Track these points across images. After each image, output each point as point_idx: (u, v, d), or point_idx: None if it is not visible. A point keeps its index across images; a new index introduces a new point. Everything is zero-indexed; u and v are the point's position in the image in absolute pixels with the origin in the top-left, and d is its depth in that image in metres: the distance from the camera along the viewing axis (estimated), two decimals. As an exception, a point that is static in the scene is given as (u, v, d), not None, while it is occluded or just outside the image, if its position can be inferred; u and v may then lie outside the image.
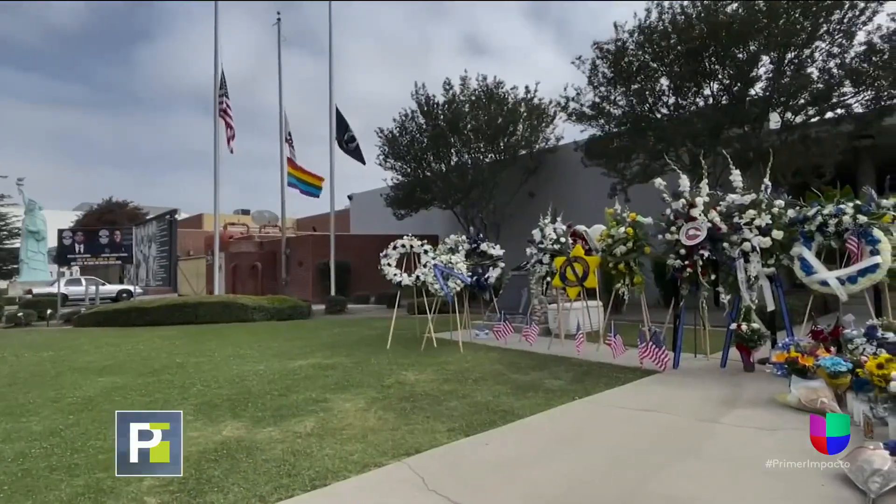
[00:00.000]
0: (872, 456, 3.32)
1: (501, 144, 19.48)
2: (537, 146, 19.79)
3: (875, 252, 5.99)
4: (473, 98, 19.11)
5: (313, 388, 6.36)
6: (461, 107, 19.07)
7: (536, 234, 9.63)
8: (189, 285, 29.50)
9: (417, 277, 9.28)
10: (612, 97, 14.78)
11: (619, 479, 3.56)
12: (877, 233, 6.07)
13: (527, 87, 19.12)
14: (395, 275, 9.41)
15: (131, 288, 24.32)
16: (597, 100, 15.01)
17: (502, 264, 10.42)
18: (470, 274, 9.78)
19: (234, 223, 37.93)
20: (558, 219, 9.76)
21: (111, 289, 25.98)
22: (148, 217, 30.41)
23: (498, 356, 8.28)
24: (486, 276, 10.08)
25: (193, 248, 37.11)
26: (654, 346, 6.62)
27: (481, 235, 10.94)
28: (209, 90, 19.43)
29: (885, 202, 6.42)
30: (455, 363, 7.72)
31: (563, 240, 9.34)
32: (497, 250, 10.46)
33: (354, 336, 11.22)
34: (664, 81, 13.97)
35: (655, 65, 13.69)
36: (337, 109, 20.48)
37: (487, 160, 19.76)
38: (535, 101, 19.26)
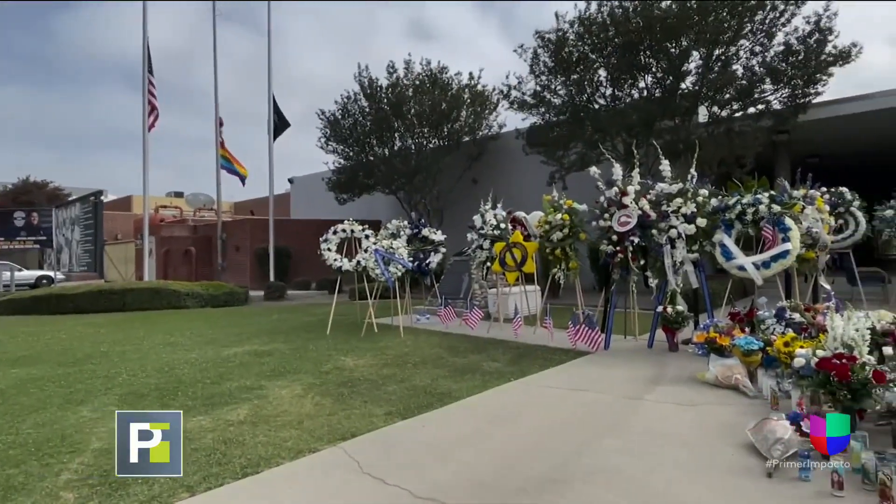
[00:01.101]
0: (776, 426, 3.61)
1: (445, 130, 19.48)
2: (480, 133, 19.92)
3: (786, 239, 6.46)
4: (417, 83, 18.98)
5: (248, 375, 6.21)
6: (405, 91, 18.90)
7: (477, 219, 9.74)
8: (117, 271, 27.95)
9: (358, 263, 9.19)
10: (553, 87, 15.06)
11: (550, 454, 3.70)
12: (788, 221, 6.54)
13: (470, 74, 19.21)
14: (336, 260, 9.28)
15: (52, 274, 22.76)
16: (538, 88, 15.26)
17: (444, 249, 10.49)
18: (411, 259, 9.78)
19: (166, 206, 36.13)
20: (499, 205, 9.91)
21: (29, 275, 24.19)
22: (70, 198, 28.42)
23: (438, 340, 8.37)
24: (427, 261, 10.11)
25: (122, 232, 35.09)
26: (586, 329, 6.88)
27: (423, 221, 10.93)
28: (138, 64, 18.31)
29: (796, 193, 6.93)
30: (395, 348, 7.74)
31: (503, 225, 9.49)
32: (438, 235, 10.50)
33: (293, 322, 11.01)
34: (602, 73, 14.36)
35: (594, 56, 14.04)
36: (272, 94, 19.80)
37: (431, 146, 19.72)
38: (479, 87, 19.37)
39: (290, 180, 31.25)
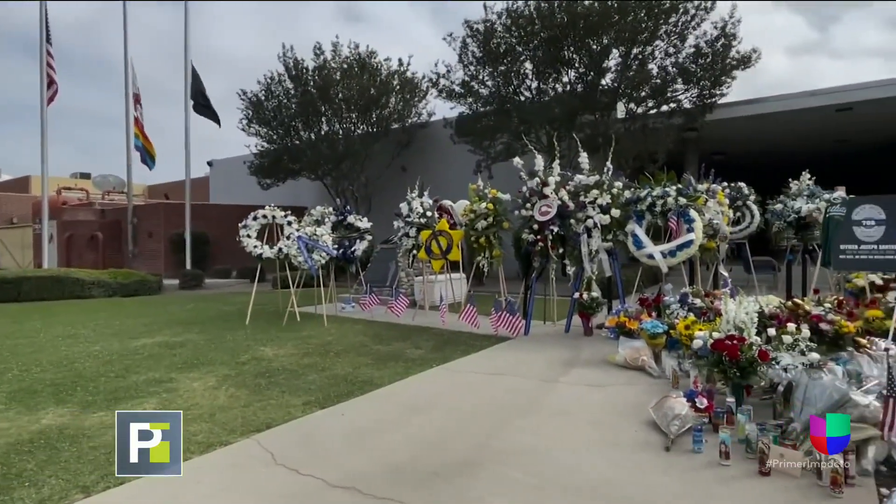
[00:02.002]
0: (674, 403, 3.89)
1: (374, 116, 19.18)
2: (410, 120, 19.78)
3: (691, 230, 6.92)
4: (345, 66, 18.52)
5: (157, 367, 5.88)
6: (332, 74, 18.39)
7: (404, 207, 9.71)
8: (12, 258, 25.48)
9: (280, 250, 8.91)
10: (481, 77, 15.21)
11: (467, 437, 3.78)
12: (693, 213, 7.00)
13: (400, 60, 18.96)
14: (256, 247, 8.94)
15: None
16: (466, 78, 15.36)
17: (370, 237, 10.39)
18: (336, 246, 9.61)
19: (70, 188, 33.23)
20: (425, 193, 9.92)
21: None
22: (-47, 177, 25.51)
23: (363, 328, 8.30)
24: (352, 248, 9.98)
25: (18, 216, 31.93)
26: (507, 315, 7.07)
27: (348, 207, 10.75)
28: (35, 30, 16.61)
29: (700, 187, 7.43)
30: (318, 337, 7.59)
31: (429, 214, 9.52)
32: (364, 223, 10.38)
33: (210, 312, 10.53)
34: (528, 66, 14.66)
35: (521, 49, 14.30)
36: (192, 67, 18.68)
37: (359, 131, 19.37)
38: (409, 74, 19.18)
39: (210, 163, 29.67)
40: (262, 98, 19.34)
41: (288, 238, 8.92)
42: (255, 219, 9.14)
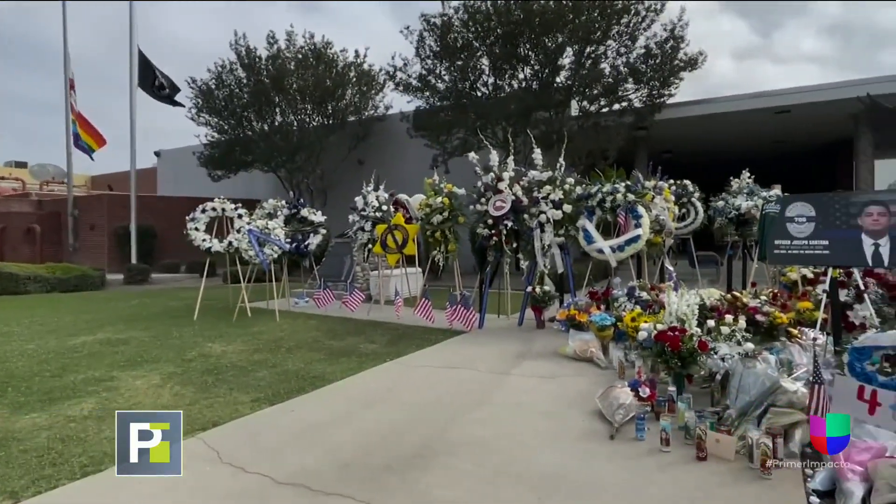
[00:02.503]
0: (619, 393, 4.02)
1: (329, 108, 18.87)
2: (367, 113, 19.56)
3: (638, 225, 7.14)
4: (300, 56, 18.12)
5: (98, 366, 5.62)
6: (286, 64, 17.96)
7: (359, 201, 9.61)
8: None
9: (230, 244, 8.66)
10: (438, 71, 15.18)
11: (419, 430, 3.79)
12: (640, 209, 7.23)
13: (357, 52, 18.70)
14: (204, 240, 8.67)
15: None
16: (423, 72, 15.30)
17: (324, 231, 10.23)
18: (289, 240, 9.42)
19: (3, 177, 31.40)
20: (381, 187, 9.85)
21: None
22: None
23: (316, 324, 8.18)
24: (306, 242, 9.80)
25: (-58, 206, 29.84)
26: (462, 309, 7.12)
27: (301, 200, 10.54)
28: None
29: (648, 184, 7.67)
30: (269, 332, 7.44)
31: (385, 207, 9.46)
32: (318, 216, 10.21)
33: (156, 308, 10.14)
34: (485, 61, 14.73)
35: (477, 44, 14.34)
36: (140, 52, 17.84)
37: (315, 123, 19.02)
38: (365, 66, 18.94)
39: (157, 153, 28.50)
40: (213, 87, 18.71)
41: (238, 231, 8.68)
42: (203, 211, 8.86)
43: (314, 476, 3.09)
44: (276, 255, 8.85)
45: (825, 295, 4.70)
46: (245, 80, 18.38)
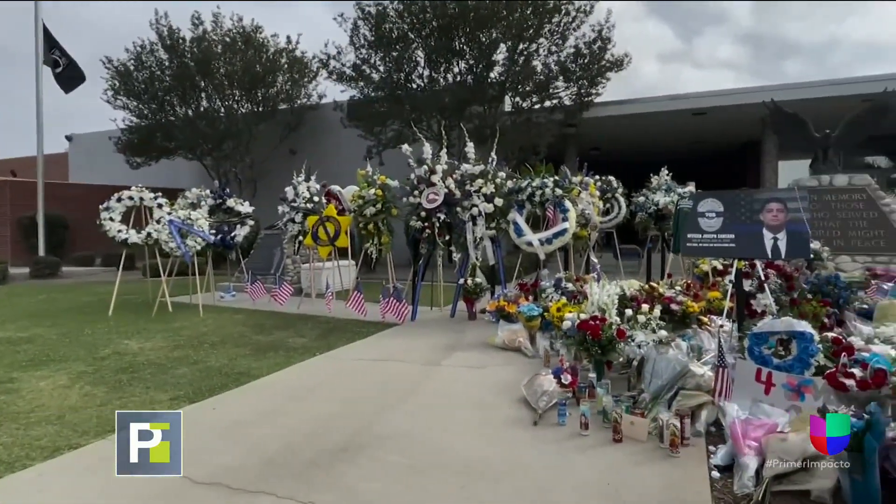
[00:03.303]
0: (543, 381, 4.15)
1: (259, 95, 18.20)
2: (299, 101, 19.02)
3: (565, 219, 7.38)
4: (228, 39, 17.35)
5: (-5, 367, 5.18)
6: (213, 47, 17.14)
7: (289, 191, 9.35)
8: None
9: (148, 235, 8.19)
10: (373, 61, 14.99)
11: (346, 424, 3.76)
12: (568, 203, 7.47)
13: (288, 38, 18.14)
14: (120, 231, 8.16)
15: None
16: (358, 62, 15.06)
17: (251, 222, 9.87)
18: (213, 232, 9.03)
19: None
20: (313, 177, 9.62)
21: None
22: None
23: (243, 318, 7.91)
24: (232, 234, 9.43)
25: None
26: (394, 301, 7.11)
27: (227, 190, 10.11)
28: None
29: (575, 179, 7.94)
30: (191, 328, 7.12)
31: (316, 199, 9.25)
32: (246, 207, 9.84)
33: (66, 303, 9.45)
34: (420, 53, 14.68)
35: (413, 36, 14.27)
36: (45, 25, 16.42)
37: (243, 110, 18.30)
38: (298, 53, 18.41)
39: (69, 138, 26.41)
40: (132, 68, 17.56)
41: (158, 222, 8.23)
42: (119, 200, 8.33)
43: (236, 474, 3.00)
44: (199, 248, 8.46)
45: (731, 285, 5.06)
46: (167, 63, 17.40)
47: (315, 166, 9.89)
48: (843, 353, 3.46)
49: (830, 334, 4.00)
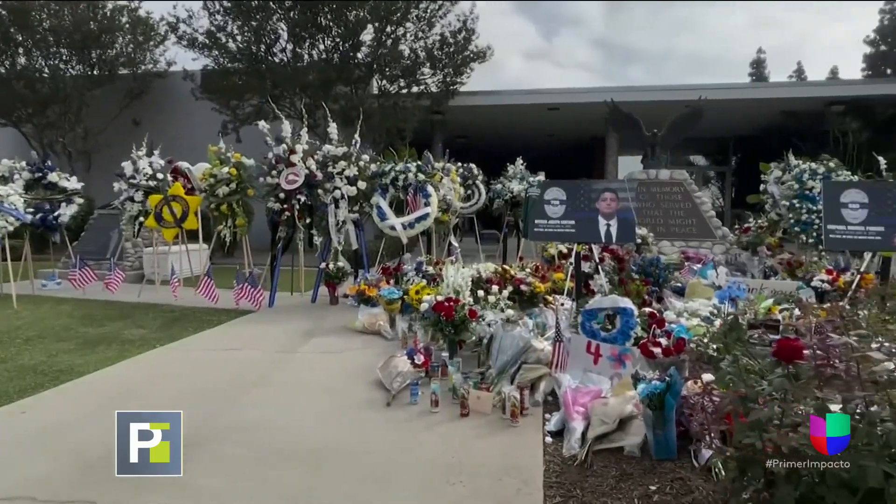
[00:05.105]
0: (398, 362, 4.22)
1: (94, 56, 16.02)
2: (143, 67, 17.05)
3: (427, 204, 7.53)
4: (52, -10, 14.98)
5: None
6: (33, -4, 14.70)
7: (128, 167, 8.40)
8: None
9: (-59, 213, 6.87)
10: (229, 29, 13.91)
11: (187, 419, 3.45)
12: (430, 188, 7.63)
13: (130, -7, 16.13)
14: None
15: None
16: (212, 28, 13.88)
17: (80, 200, 8.70)
18: (32, 210, 7.82)
19: None
20: (156, 152, 8.73)
21: None
22: None
23: (70, 309, 6.99)
24: (56, 213, 8.23)
25: None
26: (249, 287, 6.75)
27: (48, 163, 8.79)
28: None
29: (437, 165, 8.11)
30: (2, 322, 6.14)
31: (160, 176, 8.42)
32: (73, 183, 8.64)
33: None
34: (283, 26, 13.93)
35: (274, 6, 13.48)
36: None
37: (74, 72, 15.98)
38: (142, 13, 16.48)
39: None
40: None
41: (-46, 198, 6.92)
42: None
43: (45, 485, 2.65)
44: (11, 228, 7.27)
45: (572, 267, 5.55)
46: (-28, 10, 14.59)
47: (162, 140, 9.00)
48: (655, 326, 3.97)
49: (647, 309, 4.56)
